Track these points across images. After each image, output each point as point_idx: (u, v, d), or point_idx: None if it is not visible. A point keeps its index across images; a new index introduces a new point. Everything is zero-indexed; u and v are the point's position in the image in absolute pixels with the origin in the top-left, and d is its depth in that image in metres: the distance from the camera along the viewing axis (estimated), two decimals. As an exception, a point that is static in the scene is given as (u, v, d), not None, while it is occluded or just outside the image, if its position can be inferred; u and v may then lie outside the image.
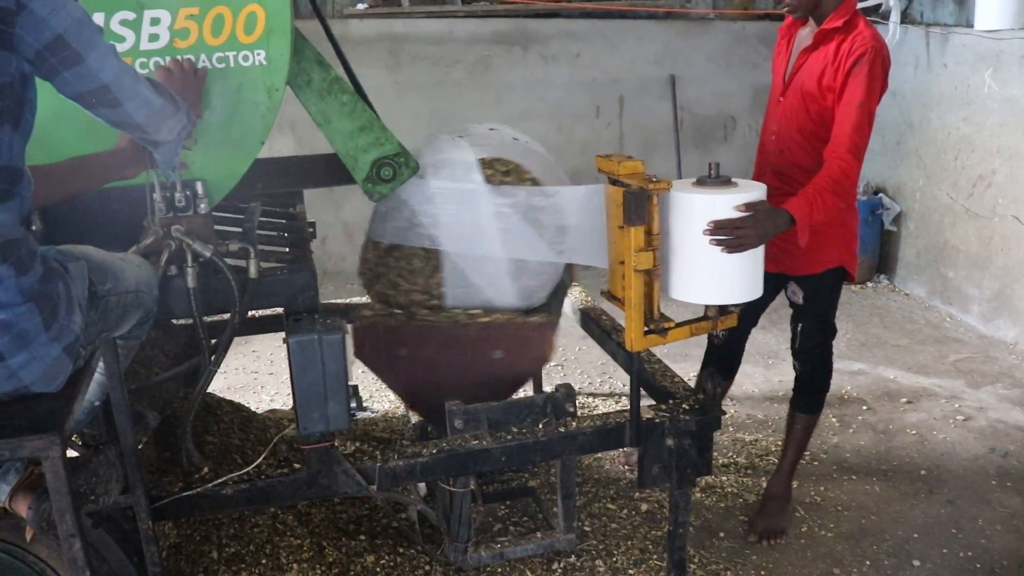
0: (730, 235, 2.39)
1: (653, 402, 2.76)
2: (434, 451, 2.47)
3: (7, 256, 1.55)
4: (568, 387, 2.68)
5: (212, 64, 2.17)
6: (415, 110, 5.69)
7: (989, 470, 3.61)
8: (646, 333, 2.45)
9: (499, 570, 2.94)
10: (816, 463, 3.66)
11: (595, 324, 3.26)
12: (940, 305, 5.53)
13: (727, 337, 3.12)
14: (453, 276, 2.71)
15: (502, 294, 2.74)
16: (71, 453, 2.29)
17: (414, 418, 3.38)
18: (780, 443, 3.64)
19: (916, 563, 3.02)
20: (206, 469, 2.37)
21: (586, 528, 3.16)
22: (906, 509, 3.34)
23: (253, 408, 3.67)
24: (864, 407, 4.19)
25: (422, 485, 2.99)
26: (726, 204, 2.41)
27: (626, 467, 3.57)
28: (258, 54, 2.19)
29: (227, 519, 2.89)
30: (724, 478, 3.54)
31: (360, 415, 3.96)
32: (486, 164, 2.66)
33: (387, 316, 2.73)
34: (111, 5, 2.07)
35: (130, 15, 2.09)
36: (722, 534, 3.18)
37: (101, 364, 2.01)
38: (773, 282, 2.95)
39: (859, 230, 3.10)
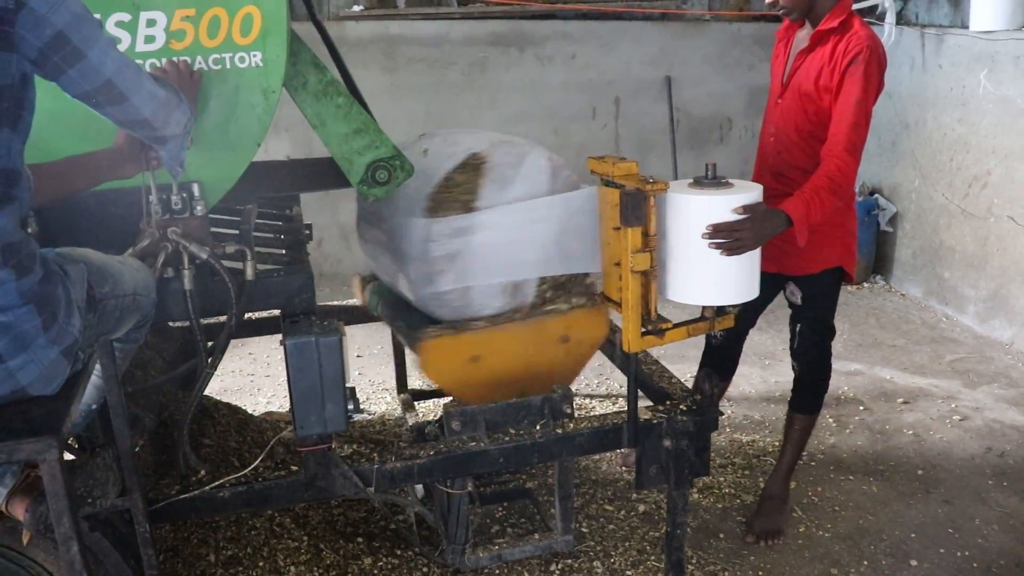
0: (728, 237, 2.39)
1: (651, 403, 2.76)
2: (431, 453, 2.46)
3: (7, 259, 1.54)
4: (565, 388, 2.68)
5: (208, 66, 2.16)
6: (411, 112, 5.69)
7: (986, 470, 3.61)
8: (643, 334, 2.45)
9: (497, 572, 2.94)
10: (813, 463, 3.67)
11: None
12: (936, 305, 5.54)
13: (725, 338, 3.14)
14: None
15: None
16: (68, 456, 2.29)
17: (411, 420, 3.38)
18: (777, 444, 3.64)
19: (913, 563, 3.03)
20: (203, 472, 2.37)
21: (584, 529, 3.16)
22: (903, 509, 3.35)
23: (250, 411, 3.67)
24: (861, 407, 4.20)
25: (420, 487, 2.99)
26: (723, 205, 2.41)
27: (624, 468, 3.57)
28: (254, 56, 2.18)
29: (224, 522, 2.88)
30: (721, 479, 3.54)
31: (357, 417, 3.95)
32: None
33: (456, 329, 2.66)
34: (107, 7, 2.06)
35: (126, 17, 2.08)
36: (720, 535, 3.19)
37: (98, 367, 2.01)
38: (771, 282, 2.96)
39: (857, 231, 3.10)
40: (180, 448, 2.42)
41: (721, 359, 3.33)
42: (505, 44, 5.86)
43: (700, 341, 3.24)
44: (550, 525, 2.98)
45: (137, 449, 2.44)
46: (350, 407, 2.24)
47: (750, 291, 2.54)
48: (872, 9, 5.66)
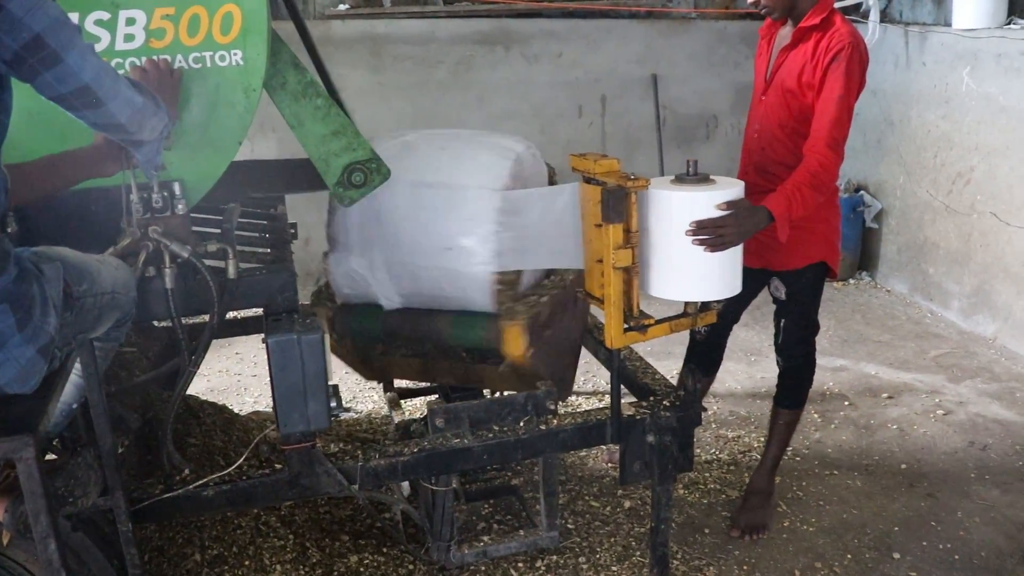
0: (710, 234, 2.40)
1: (635, 399, 2.77)
2: (416, 450, 2.47)
3: None
4: (549, 385, 2.69)
5: (188, 64, 2.16)
6: (398, 110, 5.69)
7: (968, 463, 3.64)
8: (626, 330, 2.46)
9: (483, 568, 2.94)
10: (798, 458, 3.69)
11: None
12: (921, 301, 5.57)
13: (708, 334, 3.15)
14: None
15: None
16: (51, 456, 2.29)
17: (397, 418, 3.38)
18: (763, 439, 3.66)
19: (896, 556, 3.05)
20: (187, 471, 2.37)
21: (569, 526, 3.17)
22: (887, 503, 3.37)
23: (236, 410, 3.66)
24: (846, 403, 4.22)
25: (405, 485, 3.00)
26: (704, 201, 2.43)
27: (609, 465, 3.58)
28: (235, 54, 2.18)
29: (209, 521, 2.88)
30: (707, 474, 3.56)
31: (343, 415, 3.95)
32: None
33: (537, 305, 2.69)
34: (86, 5, 2.05)
35: (105, 15, 2.08)
36: (705, 530, 3.20)
37: (79, 366, 2.00)
38: (756, 278, 2.98)
39: (841, 227, 3.12)
40: (164, 447, 2.41)
41: (705, 355, 3.34)
42: (491, 43, 5.87)
43: (686, 337, 3.25)
44: (535, 522, 2.99)
45: (121, 449, 2.43)
46: (333, 405, 2.25)
47: (732, 287, 2.55)
48: (856, 7, 5.69)
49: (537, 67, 5.97)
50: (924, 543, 3.11)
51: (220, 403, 3.54)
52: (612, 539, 3.11)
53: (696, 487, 3.47)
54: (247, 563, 2.80)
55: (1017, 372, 4.51)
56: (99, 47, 2.08)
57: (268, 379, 4.53)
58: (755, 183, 2.86)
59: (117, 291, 1.92)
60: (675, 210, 2.44)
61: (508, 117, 5.87)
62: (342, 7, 5.67)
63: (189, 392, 2.98)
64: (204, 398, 3.52)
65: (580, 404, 4.18)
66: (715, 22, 6.24)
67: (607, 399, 4.16)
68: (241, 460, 2.39)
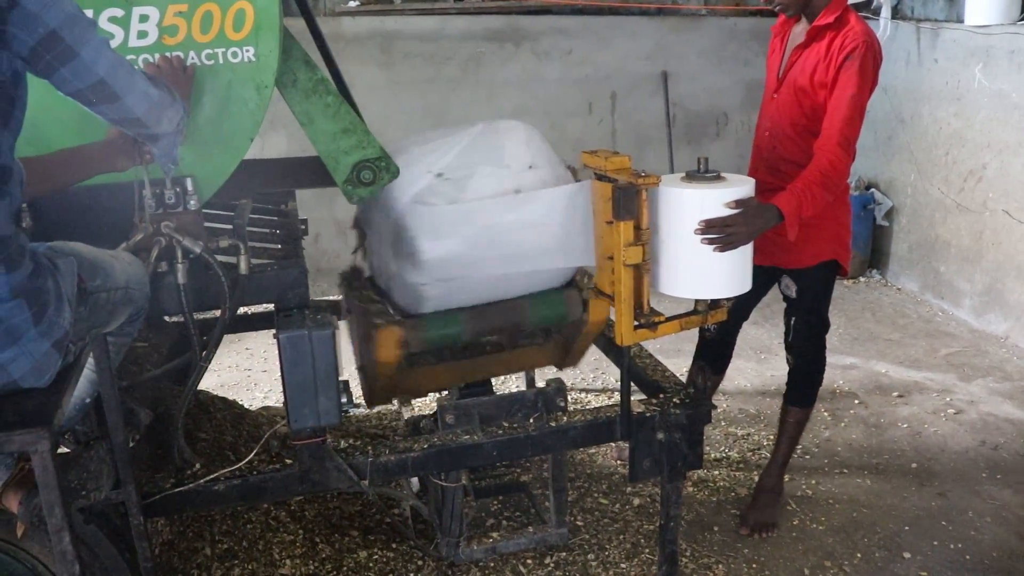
0: (720, 233, 2.40)
1: (644, 397, 2.77)
2: (425, 446, 2.47)
3: None
4: (559, 382, 2.70)
5: (201, 61, 2.17)
6: (408, 107, 5.70)
7: (980, 463, 3.63)
8: (636, 327, 2.45)
9: (491, 564, 2.95)
10: (808, 457, 3.68)
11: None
12: (932, 299, 5.56)
13: (718, 331, 3.15)
14: None
15: None
16: (63, 450, 2.30)
17: (406, 414, 3.39)
18: (772, 437, 3.66)
19: (907, 555, 3.04)
20: (198, 465, 2.38)
21: (578, 522, 3.18)
22: (897, 502, 3.36)
23: (246, 405, 3.68)
24: (856, 401, 4.21)
25: (415, 481, 3.01)
26: (715, 199, 2.42)
27: (618, 462, 3.59)
28: (247, 51, 2.19)
29: (220, 516, 2.89)
30: (716, 472, 3.55)
31: (353, 411, 3.96)
32: None
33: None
34: (100, 2, 2.06)
35: (119, 12, 2.09)
36: (714, 527, 3.20)
37: (91, 361, 2.01)
38: (766, 276, 2.97)
39: (851, 225, 3.11)
40: (175, 442, 2.42)
41: (715, 352, 3.34)
42: (501, 39, 5.87)
43: (696, 335, 3.25)
44: (544, 518, 3.00)
45: (133, 444, 2.45)
46: (344, 400, 2.25)
47: (742, 284, 2.55)
48: (867, 4, 5.67)
49: (547, 64, 5.97)
50: (935, 543, 3.11)
51: (231, 398, 3.55)
52: (621, 536, 3.11)
53: (705, 485, 3.47)
54: (257, 557, 2.81)
55: (1028, 371, 4.50)
56: (112, 44, 2.07)
57: (278, 375, 4.55)
58: (766, 181, 2.86)
59: (131, 286, 1.93)
60: (686, 207, 2.44)
61: (518, 114, 5.83)
62: (352, 4, 5.68)
63: (200, 387, 2.99)
64: (214, 393, 3.54)
65: (589, 401, 4.18)
66: (725, 19, 6.23)
67: (616, 396, 4.18)
68: (252, 455, 2.40)
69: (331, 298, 3.69)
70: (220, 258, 2.21)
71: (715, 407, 2.75)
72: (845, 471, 3.58)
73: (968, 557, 3.03)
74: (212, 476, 2.32)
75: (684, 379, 2.96)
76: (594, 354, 3.32)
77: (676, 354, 4.40)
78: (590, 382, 4.42)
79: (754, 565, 3.00)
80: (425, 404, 3.99)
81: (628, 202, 2.33)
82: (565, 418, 2.60)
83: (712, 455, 3.67)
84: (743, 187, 2.48)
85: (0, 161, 1.58)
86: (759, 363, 4.65)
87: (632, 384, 2.67)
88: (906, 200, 5.79)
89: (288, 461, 2.40)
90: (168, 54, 2.11)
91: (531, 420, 2.59)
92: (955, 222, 5.32)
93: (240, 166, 2.33)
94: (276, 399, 4.28)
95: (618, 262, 2.39)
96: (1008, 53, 4.77)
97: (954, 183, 5.30)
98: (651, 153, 6.14)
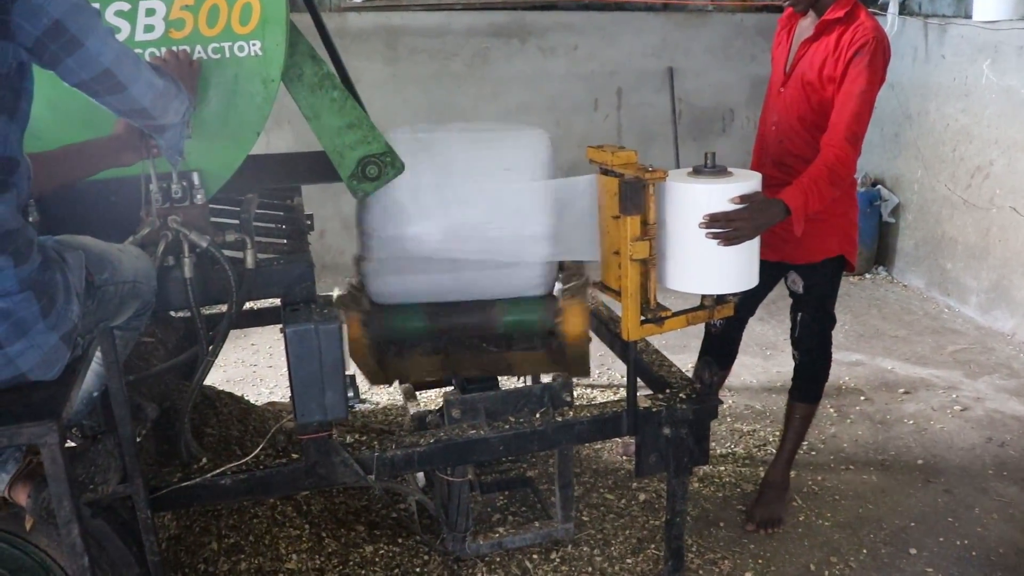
0: (726, 227, 2.40)
1: (650, 392, 2.77)
2: (432, 440, 2.48)
3: (5, 246, 1.56)
4: (565, 377, 2.69)
5: (208, 55, 2.17)
6: (413, 102, 5.69)
7: (986, 460, 3.62)
8: (643, 323, 2.45)
9: (497, 559, 2.95)
10: (814, 453, 3.68)
11: (593, 315, 3.27)
12: (938, 296, 5.54)
13: (724, 327, 3.14)
14: None
15: None
16: (70, 444, 2.31)
17: (412, 409, 3.39)
18: (778, 433, 3.65)
19: (913, 551, 3.04)
20: (204, 460, 2.38)
21: (584, 518, 3.17)
22: (903, 498, 3.35)
23: (252, 401, 3.68)
24: (862, 397, 4.20)
25: (421, 476, 3.01)
26: (722, 194, 2.42)
27: (624, 458, 3.58)
28: (253, 45, 2.19)
29: (226, 510, 2.90)
30: (722, 468, 3.55)
31: (359, 407, 3.97)
32: None
33: None
34: (107, -4, 2.07)
35: (125, 6, 2.10)
36: (720, 523, 3.20)
37: (99, 355, 2.02)
38: (773, 271, 2.96)
39: (858, 220, 3.11)
40: (182, 436, 2.43)
41: (721, 348, 3.34)
42: (507, 35, 5.87)
43: (702, 331, 3.24)
44: (550, 513, 3.00)
45: (139, 438, 2.45)
46: (350, 395, 2.25)
47: (749, 280, 2.54)
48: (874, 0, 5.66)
49: (553, 60, 5.96)
50: (941, 539, 3.10)
51: (237, 394, 3.56)
52: (627, 531, 3.11)
53: (711, 481, 3.46)
54: (263, 551, 2.81)
55: (1035, 368, 4.49)
56: (119, 38, 2.08)
57: (283, 370, 4.55)
58: (772, 176, 2.85)
59: (138, 280, 1.93)
60: (692, 202, 2.44)
61: (523, 110, 5.86)
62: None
63: (206, 382, 3.00)
64: (220, 388, 3.54)
65: (595, 397, 4.18)
66: (732, 15, 6.21)
67: (622, 392, 4.18)
68: (258, 450, 2.41)
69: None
70: (226, 252, 2.22)
71: (722, 403, 2.75)
72: (851, 467, 3.58)
73: (974, 553, 3.02)
74: (219, 470, 2.32)
75: (690, 375, 2.96)
76: (600, 349, 3.32)
77: (682, 350, 4.40)
78: (595, 377, 4.42)
79: (760, 560, 3.00)
80: (431, 399, 4.00)
81: (635, 197, 2.33)
82: (571, 413, 2.61)
83: (718, 451, 3.66)
84: (749, 182, 2.48)
85: (7, 152, 1.58)
86: (765, 359, 4.64)
87: (638, 379, 2.67)
88: (912, 196, 5.78)
89: (294, 456, 2.40)
90: (175, 48, 2.11)
91: (537, 415, 2.59)
92: (962, 219, 5.31)
93: (246, 161, 2.33)
94: (281, 394, 4.28)
95: (624, 257, 2.39)
96: (1017, 49, 4.75)
97: (961, 179, 5.29)
98: (656, 149, 6.13)
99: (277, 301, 2.49)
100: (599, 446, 3.66)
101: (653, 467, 2.66)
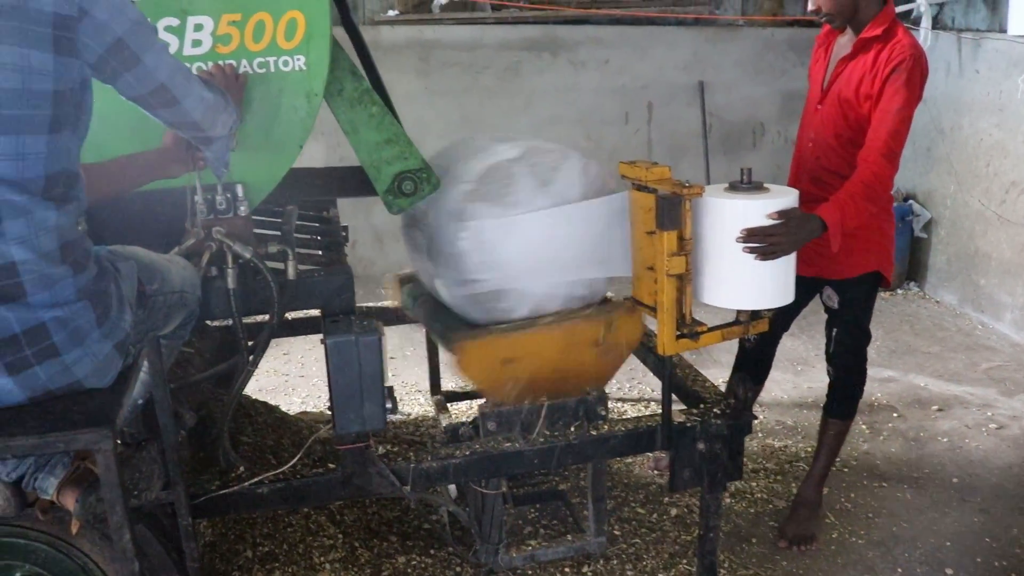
0: (763, 242, 2.40)
1: (684, 406, 2.77)
2: (467, 453, 2.49)
3: (65, 256, 1.60)
4: (600, 390, 2.70)
5: (253, 69, 2.21)
6: (445, 115, 5.74)
7: (1023, 479, 3.58)
8: (678, 337, 2.46)
9: (529, 572, 2.95)
10: (846, 470, 3.65)
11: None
12: (972, 313, 5.49)
13: (758, 342, 3.14)
14: None
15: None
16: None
17: (445, 421, 3.40)
18: (810, 449, 3.64)
19: (949, 571, 3.01)
20: (242, 468, 2.41)
21: (616, 532, 3.17)
22: (938, 517, 3.32)
23: (285, 410, 3.71)
24: (895, 414, 4.17)
25: (452, 487, 3.02)
26: (758, 210, 2.42)
27: (655, 472, 3.58)
28: (298, 59, 2.23)
29: (261, 519, 2.92)
30: (754, 484, 3.54)
31: (390, 418, 3.98)
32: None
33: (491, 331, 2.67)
34: (155, 11, 2.11)
35: (174, 21, 2.14)
36: (752, 539, 3.18)
37: (144, 363, 2.05)
38: (808, 286, 2.96)
39: (895, 236, 3.09)
40: (220, 444, 2.46)
41: (755, 363, 3.32)
42: (539, 49, 5.90)
43: (732, 346, 3.24)
44: (582, 527, 3.00)
45: (177, 446, 2.48)
46: (388, 406, 2.27)
47: (785, 295, 2.54)
48: (908, 14, 5.63)
49: (584, 73, 5.98)
50: (978, 559, 3.07)
51: (270, 403, 3.59)
52: (659, 546, 3.11)
53: (743, 496, 3.45)
54: (297, 561, 2.83)
55: (1071, 386, 4.44)
56: (168, 52, 2.13)
57: (315, 380, 4.59)
58: (809, 192, 2.85)
59: (185, 290, 1.97)
60: (728, 218, 2.44)
61: (554, 123, 5.88)
62: (392, 13, 5.73)
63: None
64: (254, 398, 3.58)
65: (626, 411, 4.18)
66: (763, 29, 6.21)
67: (653, 406, 4.18)
68: (296, 459, 2.43)
69: (380, 304, 3.72)
70: (268, 263, 2.25)
71: (756, 418, 2.74)
72: (884, 484, 3.55)
73: (1013, 575, 2.99)
74: (256, 479, 2.35)
75: (723, 389, 2.95)
76: (631, 363, 3.31)
77: (713, 365, 4.39)
78: (626, 391, 4.42)
79: (793, 578, 2.98)
80: (462, 411, 4.01)
81: (672, 212, 2.34)
82: (606, 427, 2.61)
83: (749, 466, 3.65)
84: (786, 198, 2.48)
85: (70, 167, 1.62)
86: (796, 375, 4.62)
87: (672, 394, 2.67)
88: (945, 212, 5.74)
89: (331, 465, 2.42)
90: (221, 62, 2.15)
91: (572, 428, 2.60)
92: (996, 234, 5.26)
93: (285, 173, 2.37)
94: (314, 404, 4.32)
95: (660, 272, 2.39)
96: (1052, 64, 4.72)
97: (995, 195, 5.24)
98: (687, 163, 6.13)
99: (308, 311, 2.52)
100: (630, 460, 3.66)
101: (688, 482, 2.65)
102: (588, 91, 6.00)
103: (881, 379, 4.53)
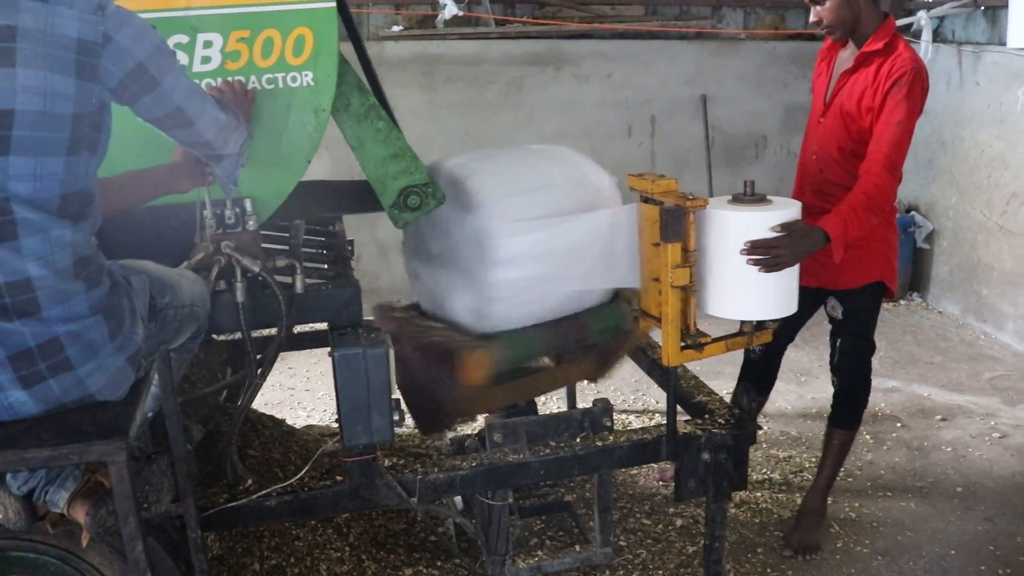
0: (766, 254, 2.42)
1: (688, 417, 2.79)
2: (474, 464, 2.50)
3: (79, 272, 1.62)
4: (605, 402, 2.71)
5: (262, 85, 2.24)
6: (449, 129, 5.77)
7: (1027, 488, 3.59)
8: (683, 348, 2.48)
9: (536, 583, 2.96)
10: (850, 479, 3.66)
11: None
12: (974, 323, 5.51)
13: (763, 353, 3.16)
14: None
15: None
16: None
17: (450, 433, 3.42)
18: (814, 460, 3.65)
19: (954, 580, 3.02)
20: (250, 481, 2.42)
21: (621, 543, 3.18)
22: (943, 526, 3.33)
23: (291, 424, 3.72)
24: (898, 424, 4.18)
25: (458, 499, 3.03)
26: (761, 222, 2.45)
27: (660, 483, 3.59)
28: (306, 75, 2.26)
29: (268, 532, 2.93)
30: (759, 494, 3.54)
31: (397, 430, 3.99)
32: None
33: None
34: (166, 29, 2.13)
35: (184, 38, 2.17)
36: (758, 549, 3.19)
37: (154, 376, 2.07)
38: (812, 297, 2.98)
39: (898, 247, 3.11)
40: (228, 457, 2.47)
41: (759, 374, 3.34)
42: (542, 63, 5.94)
43: (735, 357, 3.25)
44: (588, 538, 3.00)
45: (185, 459, 2.49)
46: (396, 418, 2.29)
47: (788, 306, 2.56)
48: (908, 27, 5.67)
49: (587, 87, 6.02)
50: (982, 567, 3.08)
51: (276, 416, 3.60)
52: (664, 556, 3.12)
53: (748, 506, 3.46)
54: (305, 573, 2.84)
55: (1075, 396, 4.44)
56: (179, 70, 2.16)
57: (321, 394, 4.60)
58: (813, 204, 2.88)
59: (195, 304, 1.99)
60: (732, 230, 2.46)
61: (558, 137, 5.90)
62: (396, 28, 5.77)
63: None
64: (261, 411, 3.59)
65: (631, 422, 4.19)
66: (764, 43, 6.25)
67: (658, 417, 4.19)
68: (303, 471, 2.45)
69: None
70: (276, 277, 2.27)
71: (760, 428, 2.75)
72: (889, 494, 3.56)
73: (1017, 583, 3.00)
74: (264, 492, 2.36)
75: (728, 400, 2.97)
76: (635, 375, 3.34)
77: (716, 376, 4.40)
78: (631, 403, 4.43)
79: (799, 588, 2.99)
80: (468, 424, 4.02)
81: (676, 224, 2.36)
82: (611, 438, 2.62)
83: (754, 477, 3.66)
84: (789, 210, 2.50)
85: (87, 186, 1.65)
86: (799, 385, 4.63)
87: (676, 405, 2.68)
88: (947, 223, 5.76)
89: (338, 478, 2.44)
90: (231, 78, 2.18)
91: (578, 439, 2.61)
92: (998, 245, 5.28)
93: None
94: (319, 418, 4.33)
95: (665, 284, 2.41)
96: (1052, 76, 4.75)
97: (996, 206, 5.26)
98: (690, 176, 6.16)
99: (315, 325, 2.54)
100: (635, 471, 3.67)
101: (693, 492, 2.67)
102: (591, 105, 6.03)
103: (885, 389, 4.54)
